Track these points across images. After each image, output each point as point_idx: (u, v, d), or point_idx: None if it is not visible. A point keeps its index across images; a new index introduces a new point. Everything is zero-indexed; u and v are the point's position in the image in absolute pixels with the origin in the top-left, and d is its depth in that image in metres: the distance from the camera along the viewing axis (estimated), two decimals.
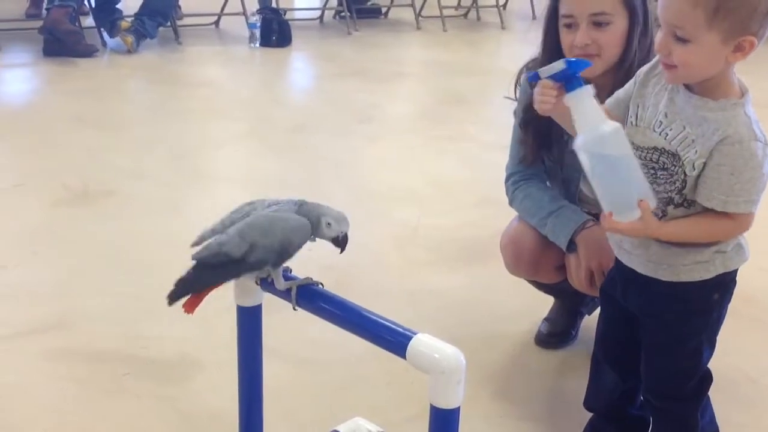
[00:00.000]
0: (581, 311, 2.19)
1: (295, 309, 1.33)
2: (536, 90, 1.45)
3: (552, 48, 1.82)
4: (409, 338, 1.16)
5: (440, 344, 1.14)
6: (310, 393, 1.94)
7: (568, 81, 1.36)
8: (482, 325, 2.26)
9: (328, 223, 1.33)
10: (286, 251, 1.31)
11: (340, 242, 1.34)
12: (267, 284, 1.36)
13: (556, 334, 2.18)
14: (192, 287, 1.30)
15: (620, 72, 1.74)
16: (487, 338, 2.19)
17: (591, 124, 1.35)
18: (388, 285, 2.47)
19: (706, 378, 1.58)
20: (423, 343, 1.15)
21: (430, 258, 2.68)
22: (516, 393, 1.98)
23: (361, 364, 2.01)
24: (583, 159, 1.37)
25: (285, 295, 1.33)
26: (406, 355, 1.15)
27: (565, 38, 1.78)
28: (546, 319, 2.21)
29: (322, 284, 1.34)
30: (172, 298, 1.29)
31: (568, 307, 2.18)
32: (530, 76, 1.45)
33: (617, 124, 1.36)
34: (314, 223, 1.33)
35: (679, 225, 1.43)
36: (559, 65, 1.37)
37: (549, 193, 1.95)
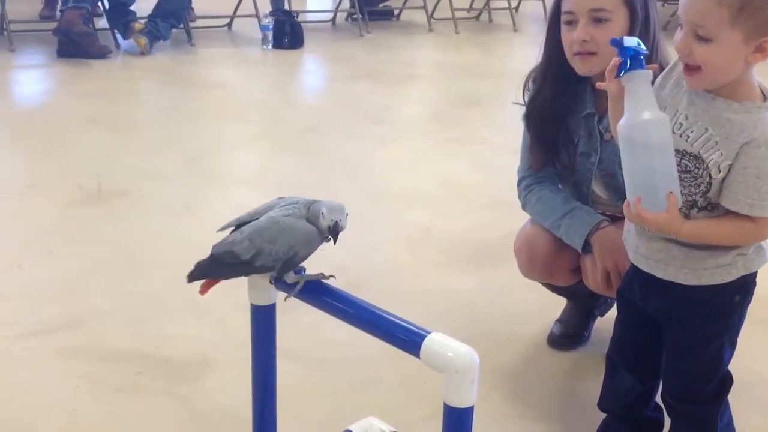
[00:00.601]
0: (594, 312, 2.18)
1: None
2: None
3: (553, 47, 1.82)
4: (423, 337, 1.16)
5: (454, 343, 1.14)
6: (322, 393, 1.94)
7: (633, 59, 1.36)
8: (494, 327, 2.26)
9: (322, 213, 1.33)
10: (292, 261, 1.33)
11: (331, 230, 1.34)
12: (281, 284, 1.36)
13: (568, 335, 2.17)
14: (206, 275, 1.36)
15: None
16: (499, 339, 2.19)
17: (640, 108, 1.35)
18: (400, 286, 2.46)
19: (727, 380, 1.57)
20: (437, 342, 1.15)
21: (442, 259, 2.67)
22: (529, 394, 1.98)
23: (373, 364, 2.01)
24: (623, 141, 1.38)
25: (291, 287, 1.34)
26: (420, 353, 1.16)
27: (566, 36, 1.77)
28: (559, 321, 2.20)
29: (334, 277, 1.34)
30: (191, 277, 1.35)
31: (581, 308, 2.17)
32: (613, 41, 1.42)
33: (664, 115, 1.37)
34: (316, 218, 1.34)
35: (701, 225, 1.43)
36: (635, 40, 1.37)
37: (561, 195, 1.94)
